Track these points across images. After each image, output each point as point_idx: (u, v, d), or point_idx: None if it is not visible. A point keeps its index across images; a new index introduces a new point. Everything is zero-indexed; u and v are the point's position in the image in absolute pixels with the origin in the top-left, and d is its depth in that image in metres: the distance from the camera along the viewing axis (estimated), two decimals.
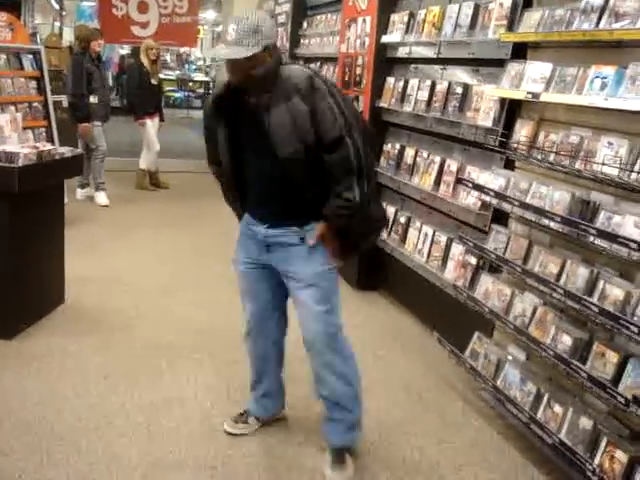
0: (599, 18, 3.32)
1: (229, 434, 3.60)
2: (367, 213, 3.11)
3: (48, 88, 7.63)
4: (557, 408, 3.37)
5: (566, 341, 3.32)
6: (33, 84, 7.49)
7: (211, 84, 24.35)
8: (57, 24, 19.88)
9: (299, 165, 2.97)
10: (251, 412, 3.67)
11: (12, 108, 6.78)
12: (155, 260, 6.54)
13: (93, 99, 8.32)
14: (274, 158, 2.98)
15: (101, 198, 8.67)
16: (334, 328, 3.25)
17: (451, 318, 4.65)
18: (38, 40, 15.13)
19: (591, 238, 3.13)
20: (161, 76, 23.96)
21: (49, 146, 4.94)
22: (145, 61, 9.34)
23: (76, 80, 8.22)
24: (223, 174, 3.30)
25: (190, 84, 24.16)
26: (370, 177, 3.05)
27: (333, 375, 3.28)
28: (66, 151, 4.99)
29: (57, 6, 19.49)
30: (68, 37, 17.69)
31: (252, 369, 3.62)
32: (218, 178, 3.39)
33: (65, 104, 8.64)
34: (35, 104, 7.45)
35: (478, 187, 4.02)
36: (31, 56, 7.52)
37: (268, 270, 3.29)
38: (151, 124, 9.49)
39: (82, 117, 8.26)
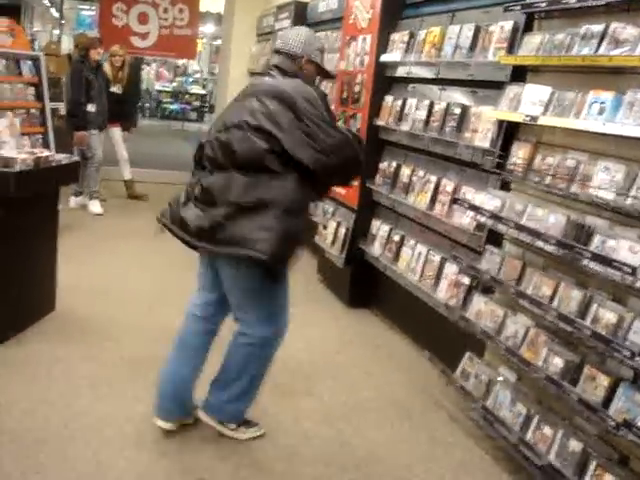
0: (599, 44, 3.35)
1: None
2: None
3: (46, 95, 7.62)
4: (547, 430, 3.37)
5: (557, 363, 3.32)
6: (31, 90, 7.48)
7: (207, 97, 24.48)
8: (56, 32, 19.92)
9: None
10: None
11: (10, 114, 6.77)
12: (146, 269, 6.53)
13: (91, 107, 8.33)
14: None
15: (95, 207, 8.65)
16: None
17: (443, 337, 4.65)
18: (36, 47, 15.15)
19: (585, 261, 3.14)
20: (157, 87, 23.67)
21: (46, 152, 4.94)
22: (107, 67, 9.12)
23: (75, 88, 8.22)
24: None
25: (186, 96, 24.17)
26: None
27: None
28: (63, 158, 4.99)
29: (57, 14, 19.54)
30: (67, 45, 17.73)
31: None
32: None
33: (62, 111, 8.63)
34: (33, 110, 7.44)
35: (474, 207, 4.03)
36: (30, 62, 7.51)
37: None
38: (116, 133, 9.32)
39: (79, 125, 8.26)
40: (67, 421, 3.69)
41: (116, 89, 9.21)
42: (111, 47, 9.32)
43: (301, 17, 8.69)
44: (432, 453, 3.78)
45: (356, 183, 5.92)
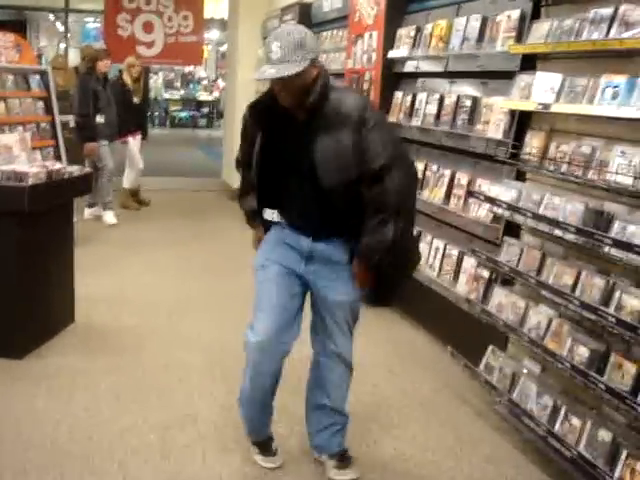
0: (609, 27, 3.32)
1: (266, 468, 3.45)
2: (400, 253, 3.07)
3: (56, 108, 7.64)
4: (575, 421, 3.33)
5: (583, 353, 3.28)
6: (40, 104, 7.49)
7: (216, 103, 24.60)
8: (62, 45, 20.00)
9: (341, 194, 2.99)
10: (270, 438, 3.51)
11: (20, 128, 6.79)
12: (164, 278, 6.52)
13: (100, 118, 8.34)
14: (316, 181, 2.98)
15: (109, 217, 8.66)
16: (350, 355, 3.33)
17: (464, 332, 4.61)
18: (43, 61, 15.21)
19: (606, 248, 3.11)
20: (166, 96, 23.82)
21: (58, 165, 4.94)
22: (127, 79, 9.22)
23: (82, 100, 8.24)
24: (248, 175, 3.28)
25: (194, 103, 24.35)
26: (408, 217, 3.07)
27: (342, 388, 3.36)
28: (75, 170, 4.99)
29: (62, 28, 19.61)
30: (74, 58, 17.79)
31: (260, 391, 3.31)
32: (245, 178, 3.36)
33: (72, 124, 8.65)
34: (43, 124, 7.45)
35: (490, 199, 4.00)
36: (38, 77, 7.53)
37: (299, 280, 3.22)
38: (133, 142, 9.38)
39: (88, 137, 8.27)
40: (91, 433, 3.68)
41: (136, 99, 9.30)
42: (127, 59, 9.40)
43: (306, 18, 8.66)
44: (460, 449, 3.74)
45: None
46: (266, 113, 3.08)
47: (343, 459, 3.38)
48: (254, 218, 3.38)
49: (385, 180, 2.92)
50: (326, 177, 2.96)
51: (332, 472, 3.35)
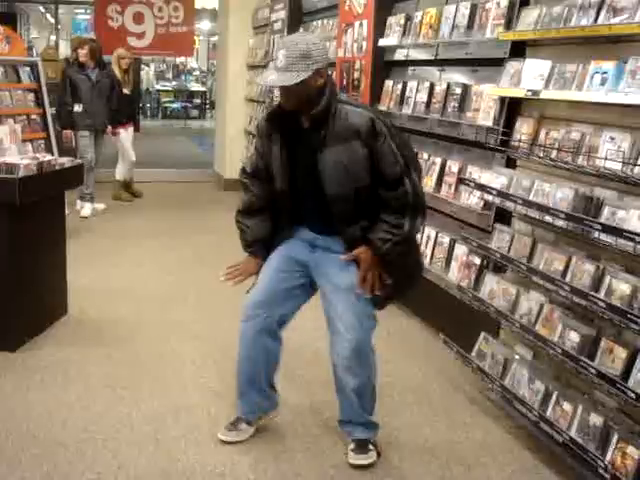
0: (597, 13, 3.32)
1: (223, 442, 3.53)
2: (409, 250, 3.31)
3: (46, 100, 7.62)
4: (566, 406, 3.34)
5: (573, 338, 3.30)
6: (31, 96, 7.49)
7: (208, 94, 24.54)
8: (53, 37, 19.93)
9: (345, 203, 3.15)
10: (242, 417, 3.59)
11: (11, 120, 6.77)
12: (156, 269, 6.52)
13: (77, 107, 8.21)
14: (320, 188, 3.14)
15: (85, 210, 8.54)
16: (362, 341, 3.34)
17: (456, 319, 4.62)
18: (34, 53, 15.17)
19: (596, 234, 3.11)
20: (158, 87, 23.72)
21: (49, 157, 4.93)
22: (117, 70, 9.10)
23: (60, 88, 8.25)
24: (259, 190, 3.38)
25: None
26: (422, 213, 3.21)
27: (354, 379, 3.35)
28: (66, 161, 4.98)
29: (52, 20, 19.53)
30: (64, 50, 17.74)
31: (246, 362, 3.45)
32: (249, 192, 3.42)
33: None
34: (33, 116, 7.45)
35: (480, 187, 4.00)
36: (28, 69, 7.52)
37: (301, 269, 3.37)
38: (125, 134, 9.29)
39: (63, 124, 8.24)
40: (86, 423, 3.68)
41: (126, 90, 9.20)
42: (117, 50, 9.31)
43: (297, 7, 8.65)
44: (453, 435, 3.76)
45: None
46: (279, 123, 3.21)
47: (362, 445, 3.45)
48: (255, 246, 3.44)
49: (404, 183, 3.11)
50: (332, 185, 3.11)
51: (349, 455, 3.43)
